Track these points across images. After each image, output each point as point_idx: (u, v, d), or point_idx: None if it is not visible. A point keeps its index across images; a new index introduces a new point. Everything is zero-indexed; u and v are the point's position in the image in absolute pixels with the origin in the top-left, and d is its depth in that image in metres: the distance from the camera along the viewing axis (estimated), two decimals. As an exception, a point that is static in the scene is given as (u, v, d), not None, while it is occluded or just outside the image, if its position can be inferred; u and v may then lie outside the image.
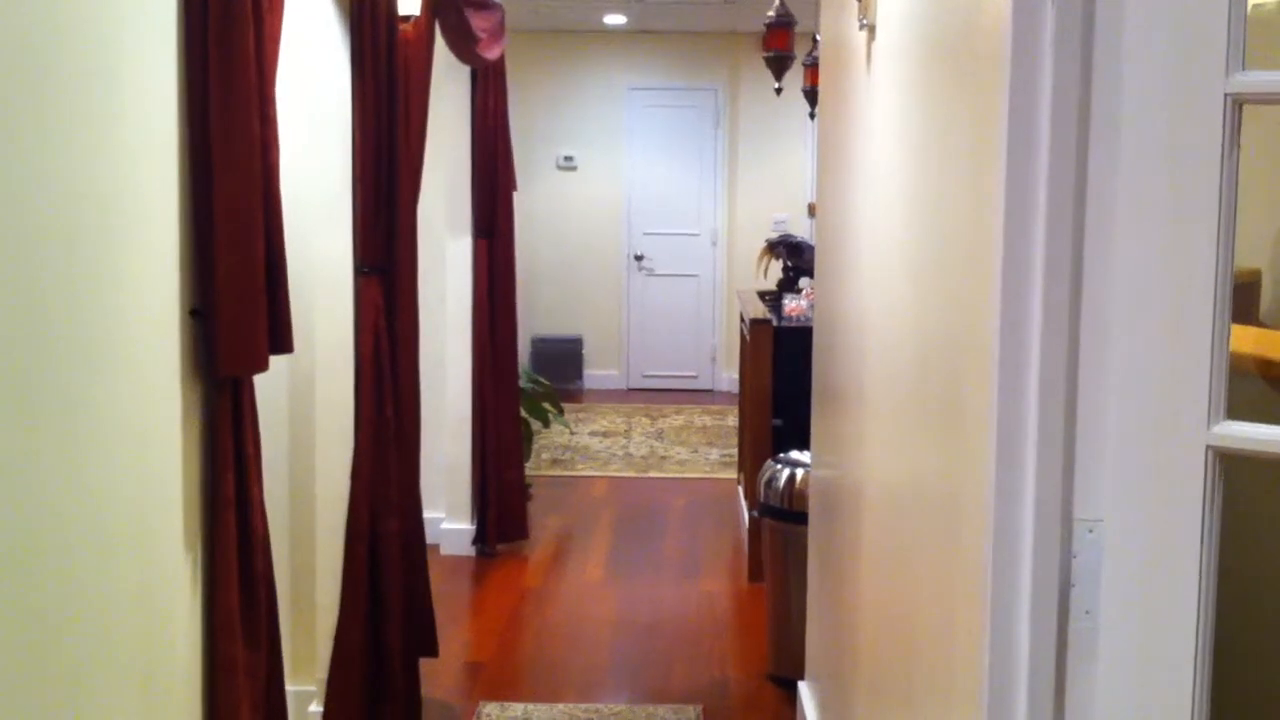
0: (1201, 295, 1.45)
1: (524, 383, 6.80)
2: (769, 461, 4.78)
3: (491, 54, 5.42)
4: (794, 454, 4.66)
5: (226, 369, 2.65)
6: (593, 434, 9.01)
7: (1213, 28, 1.43)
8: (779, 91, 7.26)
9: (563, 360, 10.71)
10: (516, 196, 6.38)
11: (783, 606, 4.51)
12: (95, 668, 2.20)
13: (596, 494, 7.45)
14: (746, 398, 6.31)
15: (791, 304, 6.34)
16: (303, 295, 3.28)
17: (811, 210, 9.03)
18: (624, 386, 10.82)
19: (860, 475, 2.95)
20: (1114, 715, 1.54)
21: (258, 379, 2.80)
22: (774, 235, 8.18)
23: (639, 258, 10.87)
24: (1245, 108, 1.43)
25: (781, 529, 4.52)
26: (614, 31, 10.75)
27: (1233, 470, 1.48)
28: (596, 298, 10.56)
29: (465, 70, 5.76)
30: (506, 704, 4.31)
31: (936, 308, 2.07)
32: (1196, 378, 1.46)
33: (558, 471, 7.88)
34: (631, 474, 7.92)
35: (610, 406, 9.69)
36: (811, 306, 5.40)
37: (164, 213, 2.47)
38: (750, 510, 5.66)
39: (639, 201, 10.85)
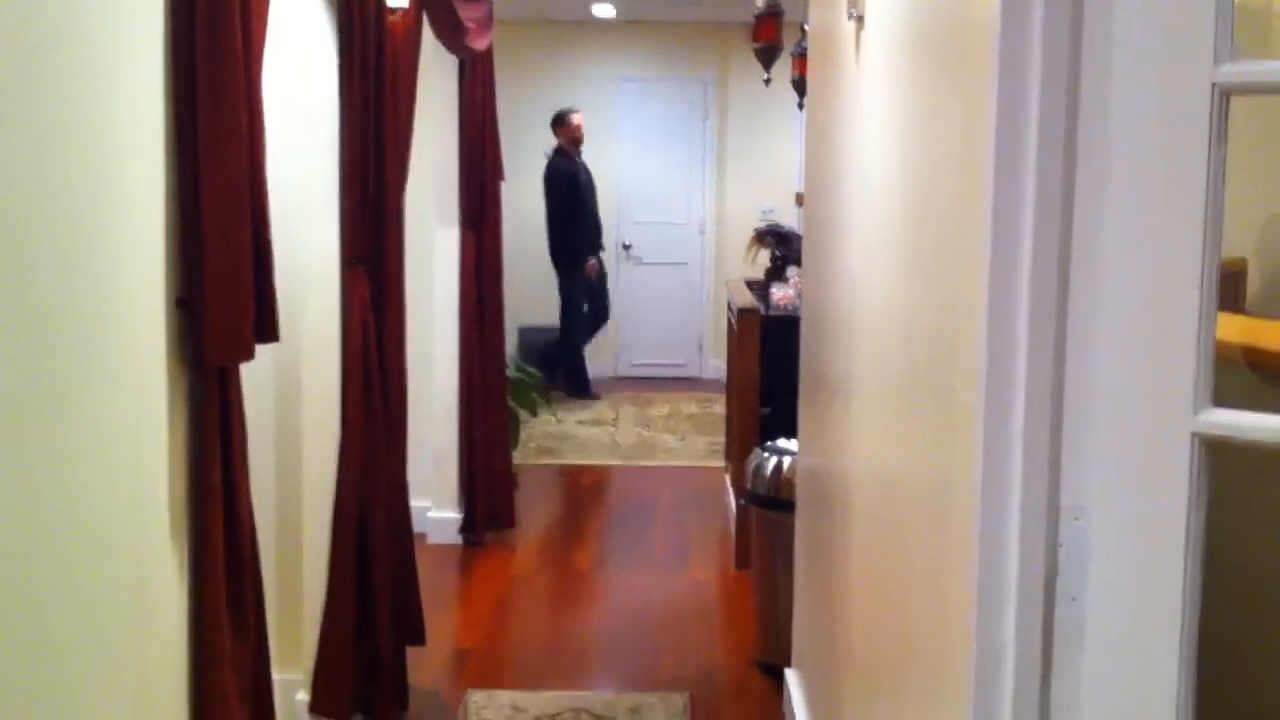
0: (1188, 284, 1.45)
1: (511, 372, 6.80)
2: (756, 450, 4.79)
3: (480, 45, 5.41)
4: (781, 442, 4.67)
5: (213, 358, 2.65)
6: (580, 423, 9.01)
7: (1201, 18, 1.43)
8: (768, 82, 7.25)
9: (550, 350, 10.69)
10: (505, 187, 6.38)
11: (770, 594, 4.52)
12: (85, 658, 2.20)
13: (584, 483, 7.45)
14: (734, 386, 6.31)
15: (779, 293, 6.35)
16: (290, 286, 3.27)
17: (799, 200, 9.03)
18: (611, 375, 10.82)
19: (848, 463, 2.96)
20: (1099, 701, 1.54)
21: (244, 369, 2.80)
22: (762, 225, 8.18)
23: (627, 246, 10.87)
24: (1233, 97, 1.43)
25: (769, 517, 4.53)
26: (603, 22, 10.73)
27: (1218, 458, 1.48)
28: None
29: (453, 61, 5.75)
30: (494, 692, 4.32)
31: (924, 296, 2.08)
32: (1183, 366, 1.46)
33: (545, 460, 7.88)
34: (619, 463, 7.92)
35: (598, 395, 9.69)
36: (799, 295, 5.41)
37: (151, 203, 2.47)
38: (737, 498, 5.67)
39: (628, 191, 10.85)
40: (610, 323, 10.51)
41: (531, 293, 10.58)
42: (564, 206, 9.60)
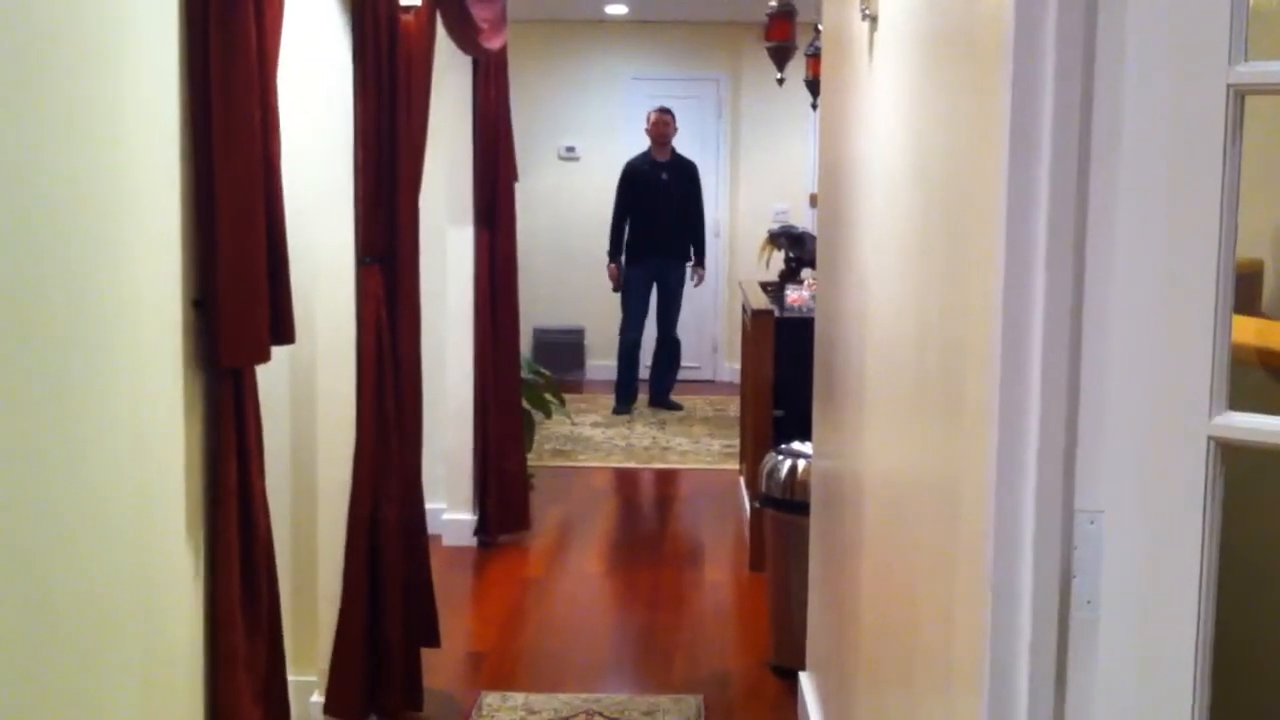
0: (1203, 285, 1.45)
1: (525, 373, 6.80)
2: (770, 452, 4.78)
3: (493, 44, 5.42)
4: (795, 445, 4.66)
5: (228, 360, 2.65)
6: (594, 425, 9.00)
7: (1215, 18, 1.42)
8: (781, 82, 7.24)
9: (564, 351, 10.70)
10: (518, 187, 6.37)
11: (784, 597, 4.51)
12: (98, 658, 2.20)
13: (598, 485, 7.45)
14: (748, 388, 6.31)
15: (793, 294, 6.34)
16: (304, 286, 3.27)
17: (813, 201, 9.02)
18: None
19: (862, 466, 2.95)
20: (1114, 705, 1.54)
21: (259, 369, 2.80)
22: (775, 226, 8.17)
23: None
24: (1248, 98, 1.43)
25: (783, 519, 4.52)
26: (615, 21, 10.73)
27: (1233, 461, 1.48)
28: (598, 288, 10.50)
29: (467, 60, 5.75)
30: (508, 694, 4.32)
31: (938, 298, 2.07)
32: (1198, 368, 1.46)
33: (559, 462, 7.88)
34: (633, 465, 7.91)
35: (612, 397, 9.69)
36: (813, 297, 5.40)
37: (166, 203, 2.47)
38: (752, 501, 5.66)
39: (640, 192, 10.82)
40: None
41: (546, 293, 10.60)
42: (615, 206, 9.48)
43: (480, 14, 5.01)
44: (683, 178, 9.34)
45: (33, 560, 1.96)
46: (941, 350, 2.02)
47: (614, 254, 9.34)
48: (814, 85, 7.09)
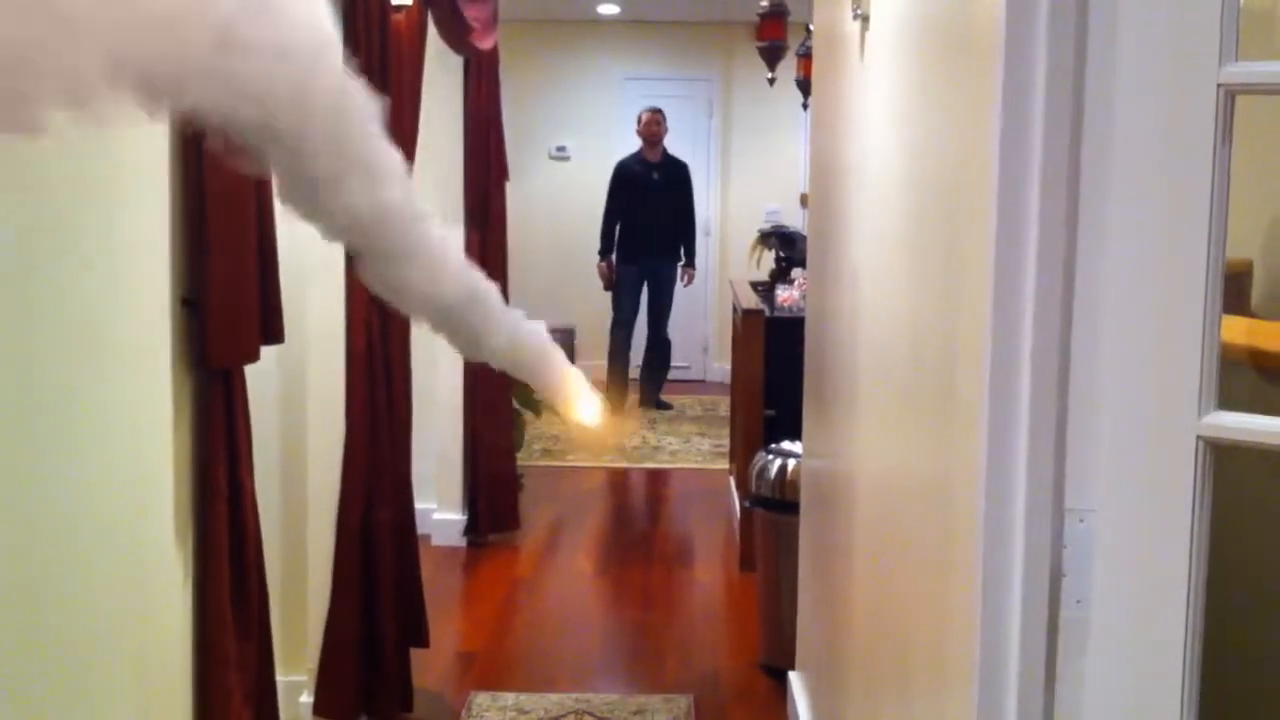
0: (1193, 285, 1.45)
1: (516, 373, 6.78)
2: (761, 452, 4.78)
3: (485, 44, 5.41)
4: (786, 444, 4.66)
5: (218, 360, 2.64)
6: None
7: (1206, 18, 1.43)
8: (772, 82, 7.24)
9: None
10: (509, 187, 6.37)
11: (774, 596, 4.51)
12: (88, 658, 2.20)
13: (588, 485, 7.44)
14: (739, 388, 6.31)
15: (784, 294, 6.34)
16: (294, 285, 3.26)
17: (804, 201, 9.02)
18: (616, 377, 10.79)
19: (852, 465, 2.95)
20: (1104, 703, 1.54)
21: (249, 369, 2.80)
22: (766, 225, 8.17)
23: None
24: (1238, 98, 1.43)
25: (773, 519, 4.52)
26: (607, 21, 10.73)
27: (1223, 460, 1.48)
28: (589, 288, 10.49)
29: (458, 60, 5.74)
30: (498, 694, 4.31)
31: (928, 298, 2.07)
32: (1188, 368, 1.46)
33: (549, 462, 7.87)
34: (623, 464, 7.91)
35: (602, 396, 9.69)
36: (804, 297, 5.40)
37: (156, 202, 2.47)
38: (742, 500, 5.66)
39: (631, 192, 10.80)
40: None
41: (537, 293, 10.57)
42: (606, 205, 9.43)
43: (471, 13, 5.01)
44: (674, 178, 9.34)
45: (25, 560, 1.95)
46: (932, 350, 2.02)
47: (604, 252, 9.35)
48: (805, 85, 7.09)
